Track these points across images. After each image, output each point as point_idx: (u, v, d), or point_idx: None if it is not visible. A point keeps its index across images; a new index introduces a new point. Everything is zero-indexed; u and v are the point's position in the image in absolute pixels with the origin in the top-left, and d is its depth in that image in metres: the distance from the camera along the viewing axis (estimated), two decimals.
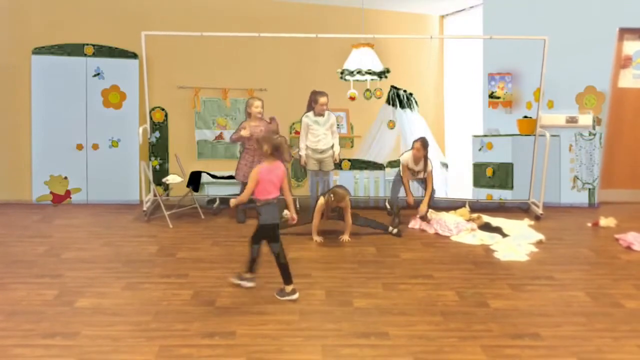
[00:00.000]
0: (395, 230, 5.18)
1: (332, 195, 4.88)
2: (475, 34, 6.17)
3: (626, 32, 6.29)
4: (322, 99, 5.44)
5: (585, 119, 6.19)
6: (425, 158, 5.31)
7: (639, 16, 6.11)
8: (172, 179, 5.70)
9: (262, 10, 6.17)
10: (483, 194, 6.16)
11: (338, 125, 6.23)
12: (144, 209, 5.68)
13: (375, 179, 6.17)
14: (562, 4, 6.07)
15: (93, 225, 5.41)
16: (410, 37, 6.13)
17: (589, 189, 6.29)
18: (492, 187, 6.12)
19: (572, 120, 6.19)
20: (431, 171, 5.37)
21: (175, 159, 5.88)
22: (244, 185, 5.47)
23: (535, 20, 6.11)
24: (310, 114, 5.53)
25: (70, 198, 6.24)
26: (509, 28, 6.07)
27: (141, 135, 5.64)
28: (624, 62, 6.39)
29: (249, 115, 5.40)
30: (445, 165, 6.36)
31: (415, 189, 5.69)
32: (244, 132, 5.31)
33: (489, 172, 6.10)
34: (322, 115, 5.49)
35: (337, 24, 6.16)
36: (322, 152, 5.52)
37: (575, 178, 6.26)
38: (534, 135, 5.89)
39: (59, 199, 6.23)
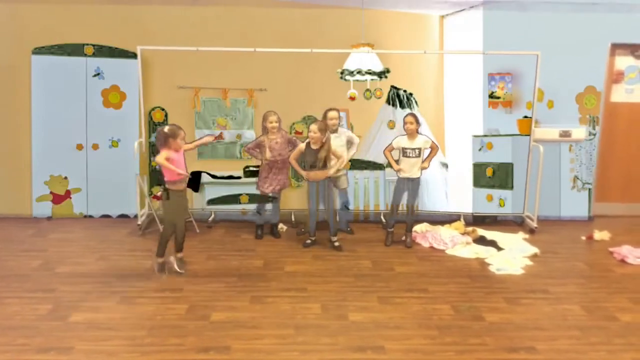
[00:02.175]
0: (337, 243, 5.12)
1: (309, 127, 4.98)
2: (475, 35, 6.21)
3: (618, 48, 6.37)
4: (331, 113, 5.43)
5: (579, 133, 6.24)
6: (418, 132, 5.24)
7: (630, 32, 6.19)
8: None
9: (261, 13, 6.17)
10: (483, 194, 6.19)
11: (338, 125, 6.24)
12: (139, 223, 5.68)
13: (375, 179, 6.18)
14: (556, 17, 6.14)
15: (88, 240, 5.39)
16: (405, 53, 6.16)
17: (589, 189, 6.34)
18: (492, 187, 6.15)
19: (565, 134, 6.25)
20: (436, 146, 5.24)
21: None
22: (260, 194, 5.54)
23: (535, 20, 6.16)
24: None
25: (71, 198, 6.22)
26: (509, 29, 6.12)
27: (137, 150, 5.65)
28: (615, 77, 6.47)
29: (265, 129, 5.37)
30: (445, 165, 6.38)
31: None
32: (264, 159, 5.36)
33: (489, 172, 6.13)
34: (335, 131, 5.47)
35: (336, 25, 6.17)
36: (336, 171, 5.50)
37: (575, 178, 6.32)
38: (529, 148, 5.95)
39: (59, 199, 6.21)
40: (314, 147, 5.04)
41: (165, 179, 4.27)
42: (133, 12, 6.14)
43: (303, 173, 5.14)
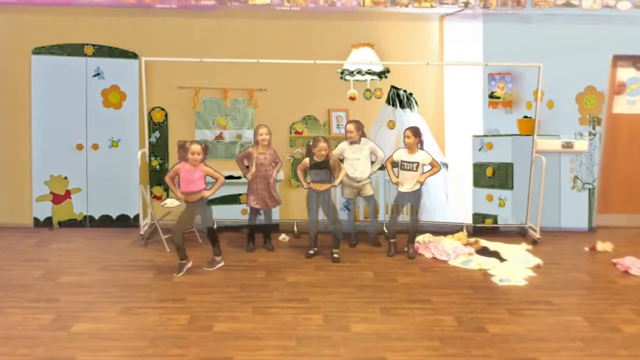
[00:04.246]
0: (335, 255, 5.14)
1: (311, 141, 5.10)
2: (475, 35, 6.24)
3: (619, 59, 6.39)
4: (348, 126, 5.46)
5: (581, 144, 6.25)
6: (421, 144, 5.24)
7: (632, 43, 6.22)
8: (170, 202, 5.70)
9: (262, 24, 6.19)
10: (483, 194, 6.20)
11: (338, 125, 6.26)
12: (141, 232, 5.68)
13: (375, 179, 6.15)
14: (558, 28, 6.18)
15: (90, 249, 5.40)
16: (407, 64, 6.16)
17: (589, 189, 6.35)
18: (492, 187, 6.16)
19: (568, 145, 6.26)
20: (435, 160, 5.25)
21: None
22: (250, 209, 5.52)
23: (536, 31, 6.17)
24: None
25: (71, 198, 6.23)
26: (508, 29, 6.15)
27: (140, 160, 5.66)
28: (617, 89, 6.48)
29: (257, 142, 5.37)
30: (445, 165, 6.38)
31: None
32: (249, 176, 5.34)
33: (489, 172, 6.14)
34: (356, 142, 5.48)
35: (336, 29, 6.18)
36: (360, 181, 5.51)
37: (575, 178, 6.32)
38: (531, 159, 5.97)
39: (59, 199, 6.22)
40: (317, 159, 5.07)
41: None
42: (135, 23, 6.15)
43: (304, 184, 5.18)
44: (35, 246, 5.50)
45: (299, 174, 5.23)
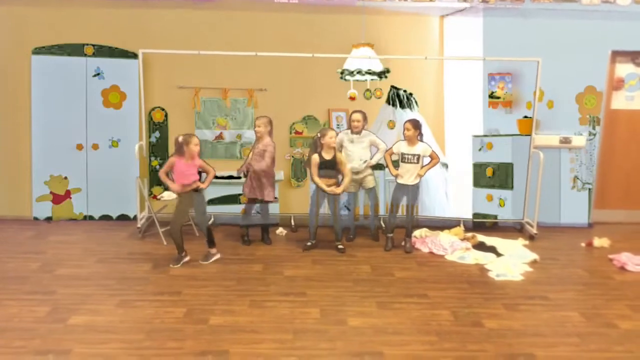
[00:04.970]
0: (340, 247, 5.20)
1: (318, 134, 5.11)
2: (475, 35, 6.25)
3: (618, 55, 6.38)
4: (354, 115, 5.48)
5: (579, 140, 6.25)
6: (421, 136, 5.23)
7: (630, 39, 6.21)
8: (167, 195, 5.70)
9: (262, 17, 6.18)
10: (483, 194, 6.21)
11: (338, 125, 6.25)
12: (139, 225, 5.67)
13: (375, 179, 6.16)
14: (557, 24, 6.17)
15: (87, 242, 5.39)
16: (406, 58, 6.14)
17: (589, 189, 6.36)
18: (492, 187, 6.17)
19: (565, 141, 6.26)
20: (434, 152, 5.24)
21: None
22: (246, 203, 5.53)
23: (535, 26, 6.17)
24: (349, 130, 5.57)
25: (71, 198, 6.22)
26: (509, 33, 6.16)
27: (137, 152, 5.65)
28: (616, 84, 6.48)
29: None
30: (445, 165, 6.38)
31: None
32: (239, 169, 5.38)
33: (489, 172, 6.15)
34: (358, 133, 5.50)
35: (337, 26, 6.17)
36: (358, 172, 5.51)
37: (575, 178, 6.33)
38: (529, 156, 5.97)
39: (59, 199, 6.21)
40: (327, 156, 5.08)
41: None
42: (134, 15, 6.14)
43: (325, 187, 5.12)
44: (32, 238, 5.49)
45: (315, 178, 5.12)
